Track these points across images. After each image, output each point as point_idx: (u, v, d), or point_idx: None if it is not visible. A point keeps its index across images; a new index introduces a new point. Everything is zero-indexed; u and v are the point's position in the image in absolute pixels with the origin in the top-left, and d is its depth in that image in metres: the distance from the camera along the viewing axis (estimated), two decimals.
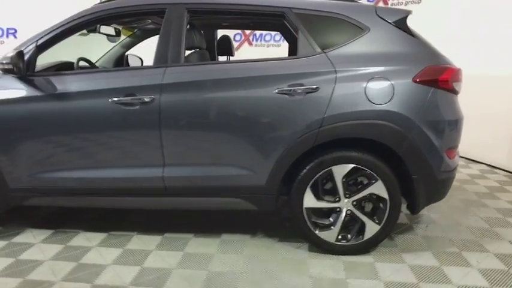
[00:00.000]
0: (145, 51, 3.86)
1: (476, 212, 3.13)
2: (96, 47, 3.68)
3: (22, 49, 2.33)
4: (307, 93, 2.25)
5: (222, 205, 2.49)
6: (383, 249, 2.49)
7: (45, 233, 2.71)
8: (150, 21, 3.26)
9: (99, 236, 2.67)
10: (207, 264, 2.32)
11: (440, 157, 2.31)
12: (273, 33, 6.55)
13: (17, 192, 2.49)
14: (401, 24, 2.39)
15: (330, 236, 2.41)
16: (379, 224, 2.37)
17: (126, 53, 3.76)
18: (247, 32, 6.64)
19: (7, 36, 5.88)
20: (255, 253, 2.46)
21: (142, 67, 2.44)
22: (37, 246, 2.54)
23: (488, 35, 4.22)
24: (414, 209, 2.40)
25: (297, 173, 2.36)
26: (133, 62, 3.91)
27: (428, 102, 2.26)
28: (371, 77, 2.24)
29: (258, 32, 6.61)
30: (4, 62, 2.22)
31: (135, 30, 3.66)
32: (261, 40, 6.64)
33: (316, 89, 2.24)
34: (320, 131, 2.24)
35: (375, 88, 2.23)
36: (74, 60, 3.02)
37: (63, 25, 2.43)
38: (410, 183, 2.32)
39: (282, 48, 6.51)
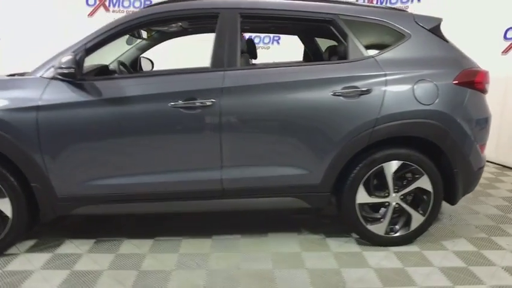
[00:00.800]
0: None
1: (485, 201, 3.45)
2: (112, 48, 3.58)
3: (74, 53, 2.25)
4: (361, 95, 2.39)
5: (278, 205, 2.56)
6: (423, 239, 2.68)
7: (87, 243, 2.61)
8: (180, 24, 3.23)
9: (147, 243, 2.63)
10: (269, 263, 2.38)
11: (476, 152, 2.55)
12: (262, 35, 6.66)
13: (65, 201, 2.39)
14: (436, 30, 2.60)
15: (379, 229, 2.56)
16: (423, 215, 2.55)
17: (140, 56, 3.73)
18: None
19: None
20: (310, 249, 2.56)
21: (199, 70, 2.43)
22: (86, 256, 2.45)
23: (476, 39, 4.61)
24: (454, 200, 2.62)
25: (348, 171, 2.48)
26: (145, 65, 3.89)
27: (467, 102, 2.48)
28: (418, 80, 2.42)
29: (246, 35, 6.68)
30: (63, 66, 2.14)
31: (153, 33, 3.60)
32: None
33: (369, 91, 2.38)
34: (374, 131, 2.39)
35: (422, 90, 2.41)
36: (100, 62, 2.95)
37: (113, 28, 2.38)
38: (451, 176, 2.53)
39: (271, 51, 6.66)
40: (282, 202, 2.53)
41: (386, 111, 2.38)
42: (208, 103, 2.30)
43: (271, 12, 2.51)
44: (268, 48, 6.71)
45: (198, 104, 2.30)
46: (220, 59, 2.39)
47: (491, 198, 3.53)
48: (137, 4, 6.28)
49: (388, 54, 2.49)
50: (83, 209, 2.43)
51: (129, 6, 6.23)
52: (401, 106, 2.40)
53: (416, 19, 2.60)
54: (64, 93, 2.28)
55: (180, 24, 3.21)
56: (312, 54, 3.78)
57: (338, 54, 2.65)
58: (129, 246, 2.58)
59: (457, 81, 2.46)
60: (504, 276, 2.26)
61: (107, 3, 6.08)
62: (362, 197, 2.50)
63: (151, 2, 6.31)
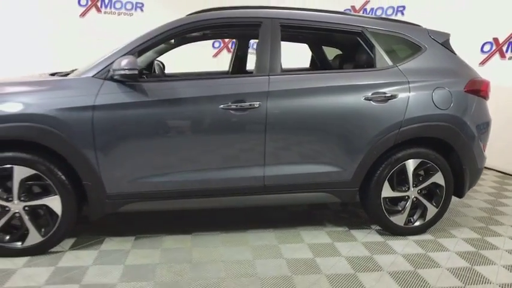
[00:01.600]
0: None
1: (474, 196, 3.88)
2: None
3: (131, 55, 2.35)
4: (388, 100, 2.67)
5: (311, 199, 2.81)
6: (433, 229, 3.00)
7: (127, 240, 2.69)
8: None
9: (186, 238, 2.74)
10: (309, 252, 2.59)
11: (481, 151, 2.92)
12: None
13: (115, 198, 2.47)
14: (446, 44, 2.96)
15: (400, 220, 2.85)
16: (437, 207, 2.89)
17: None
18: (227, 39, 6.87)
19: None
20: (340, 240, 2.80)
21: (246, 75, 2.61)
22: (133, 252, 2.53)
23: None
24: (461, 193, 2.96)
25: (374, 169, 2.75)
26: (157, 67, 3.97)
27: (474, 107, 2.85)
28: (435, 87, 2.75)
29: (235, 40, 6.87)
30: (126, 67, 2.24)
31: None
32: None
33: (395, 96, 2.68)
34: (400, 132, 2.68)
35: (439, 96, 2.74)
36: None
37: (163, 32, 2.49)
38: (460, 172, 2.88)
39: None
40: (317, 197, 2.76)
41: (410, 115, 2.68)
42: (256, 105, 2.48)
43: (307, 23, 2.74)
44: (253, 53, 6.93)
45: (246, 106, 2.47)
46: (265, 65, 2.58)
47: (478, 193, 3.98)
48: (129, 6, 6.28)
49: (409, 64, 2.80)
50: (130, 206, 2.51)
51: (121, 8, 6.23)
52: (422, 110, 2.71)
53: (430, 34, 2.94)
54: (118, 94, 2.36)
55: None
56: (319, 62, 4.05)
57: (358, 62, 2.91)
58: (171, 242, 2.69)
59: (466, 89, 2.81)
60: (510, 257, 2.63)
61: (98, 4, 6.04)
62: (386, 191, 2.78)
63: (143, 4, 6.34)
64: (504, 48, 4.73)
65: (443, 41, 2.94)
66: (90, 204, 2.44)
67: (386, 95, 2.67)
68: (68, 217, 2.41)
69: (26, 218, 2.36)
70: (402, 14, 5.85)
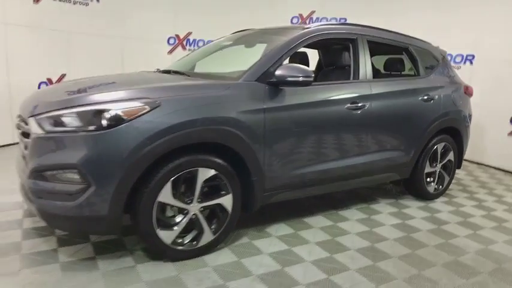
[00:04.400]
0: None
1: None
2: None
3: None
4: (431, 100, 3.63)
5: (384, 179, 3.56)
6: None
7: (252, 230, 2.93)
8: None
9: (303, 220, 3.15)
10: (394, 219, 3.34)
11: (469, 134, 4.18)
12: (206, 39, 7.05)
13: (270, 191, 2.72)
14: (446, 57, 4.11)
15: (431, 188, 3.89)
16: (449, 176, 4.03)
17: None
18: (182, 36, 6.86)
19: None
20: (402, 207, 3.64)
21: (354, 81, 3.14)
22: (277, 239, 2.83)
23: None
24: (460, 165, 4.18)
25: (420, 152, 3.69)
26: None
27: (468, 104, 4.08)
28: (453, 90, 3.85)
29: (191, 37, 6.94)
30: (302, 75, 2.53)
31: None
32: (194, 45, 6.99)
33: (434, 97, 3.66)
34: (439, 122, 3.68)
35: (455, 96, 3.85)
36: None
37: (300, 42, 2.86)
38: (460, 149, 4.08)
39: None
40: (387, 177, 3.55)
41: (443, 110, 3.72)
42: (366, 106, 3.09)
43: (378, 39, 3.44)
44: None
45: (360, 106, 3.06)
46: (364, 72, 3.20)
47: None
48: None
49: (436, 73, 3.83)
50: (278, 196, 2.80)
51: None
52: (449, 107, 3.77)
53: (439, 50, 4.03)
54: (280, 97, 2.63)
55: None
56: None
57: (394, 69, 3.81)
58: (298, 226, 3.05)
59: (464, 91, 4.01)
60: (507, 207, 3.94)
61: None
62: (427, 168, 3.77)
63: None
64: None
65: (443, 56, 4.08)
66: (253, 198, 2.64)
67: (430, 96, 3.62)
68: (236, 213, 2.57)
69: (202, 218, 2.43)
70: None
